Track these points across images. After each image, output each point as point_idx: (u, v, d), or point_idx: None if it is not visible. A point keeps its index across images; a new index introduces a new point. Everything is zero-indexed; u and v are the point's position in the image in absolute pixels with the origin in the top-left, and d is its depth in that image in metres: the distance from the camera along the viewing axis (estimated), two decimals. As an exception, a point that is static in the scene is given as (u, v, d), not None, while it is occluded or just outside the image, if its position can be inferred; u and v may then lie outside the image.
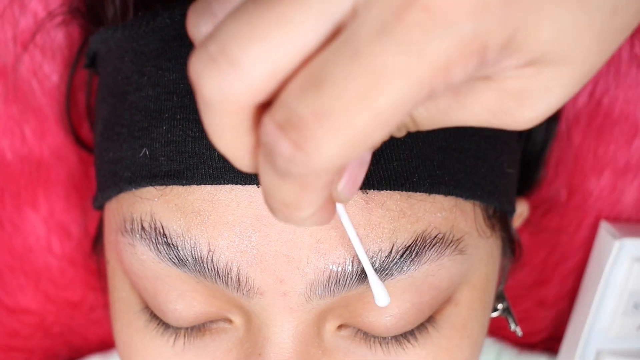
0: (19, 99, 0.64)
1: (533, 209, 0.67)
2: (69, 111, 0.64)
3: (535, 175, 0.66)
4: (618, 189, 0.66)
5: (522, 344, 0.73)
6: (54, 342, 0.72)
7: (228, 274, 0.45)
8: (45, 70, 0.64)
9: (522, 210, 0.63)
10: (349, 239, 0.44)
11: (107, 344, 0.73)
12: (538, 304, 0.71)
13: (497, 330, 0.72)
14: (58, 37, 0.63)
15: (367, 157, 0.36)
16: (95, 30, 0.53)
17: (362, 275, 0.45)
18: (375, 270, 0.45)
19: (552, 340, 0.72)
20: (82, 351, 0.73)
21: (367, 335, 0.48)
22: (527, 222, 0.67)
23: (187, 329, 0.50)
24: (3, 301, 0.69)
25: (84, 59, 0.57)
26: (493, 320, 0.60)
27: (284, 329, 0.46)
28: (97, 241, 0.64)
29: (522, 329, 0.69)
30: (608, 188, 0.66)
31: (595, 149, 0.65)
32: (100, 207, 0.55)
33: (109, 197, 0.51)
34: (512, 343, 0.73)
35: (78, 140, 0.65)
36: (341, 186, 0.35)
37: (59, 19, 0.62)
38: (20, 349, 0.71)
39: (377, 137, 0.30)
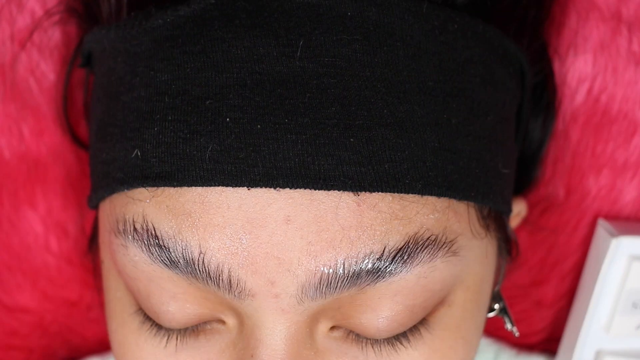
0: (16, 98, 0.64)
1: (531, 208, 0.67)
2: (67, 110, 0.64)
3: (532, 174, 0.65)
4: (617, 187, 0.65)
5: (521, 345, 0.72)
6: (53, 340, 0.72)
7: (219, 276, 0.45)
8: (43, 68, 0.64)
9: (519, 209, 0.63)
10: (345, 240, 0.45)
11: (106, 343, 0.73)
12: (536, 304, 0.71)
13: (495, 331, 0.72)
14: (55, 36, 0.63)
15: None
16: (91, 29, 0.53)
17: (353, 278, 0.45)
18: (367, 272, 0.45)
19: (550, 341, 0.71)
20: (80, 350, 0.73)
21: (359, 337, 0.48)
22: (525, 222, 0.66)
23: (180, 330, 0.50)
24: (1, 300, 0.69)
25: (81, 58, 0.57)
26: (491, 320, 0.60)
27: (276, 331, 0.46)
28: (92, 240, 0.64)
29: (520, 330, 0.69)
30: (607, 187, 0.65)
31: (594, 148, 0.65)
32: (94, 207, 0.55)
33: (102, 198, 0.51)
34: (511, 343, 0.73)
35: (75, 138, 0.65)
36: None
37: (56, 17, 0.62)
38: (19, 347, 0.71)
39: None
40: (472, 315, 0.51)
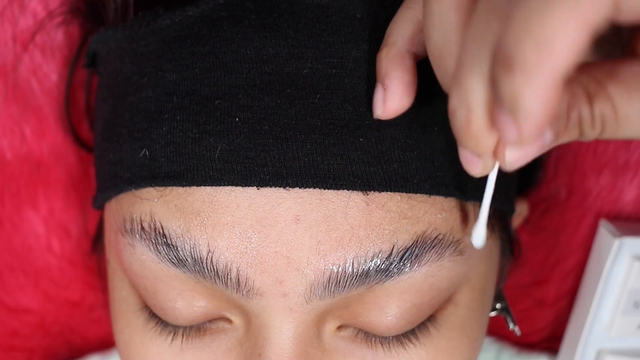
0: (18, 99, 0.64)
1: (532, 208, 0.67)
2: (69, 110, 0.64)
3: (534, 175, 0.66)
4: (618, 187, 0.66)
5: (522, 344, 0.73)
6: (54, 341, 0.72)
7: (227, 274, 0.45)
8: (45, 69, 0.64)
9: (521, 209, 0.63)
10: (354, 239, 0.45)
11: (107, 344, 0.73)
12: (537, 304, 0.71)
13: (496, 330, 0.72)
14: (58, 37, 0.63)
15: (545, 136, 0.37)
16: (96, 30, 0.53)
17: (362, 277, 0.45)
18: (376, 270, 0.45)
19: (552, 340, 0.72)
20: (82, 350, 0.73)
21: (368, 335, 0.49)
22: (526, 222, 0.67)
23: (186, 328, 0.50)
24: (3, 301, 0.69)
25: (84, 59, 0.57)
26: (492, 319, 0.60)
27: (283, 330, 0.46)
28: (97, 240, 0.64)
29: (522, 329, 0.69)
30: (608, 187, 0.66)
31: (595, 148, 0.65)
32: (100, 207, 0.55)
33: (108, 198, 0.51)
34: (512, 342, 0.73)
35: (78, 139, 0.65)
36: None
37: (59, 18, 0.62)
38: (21, 348, 0.71)
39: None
40: (477, 314, 0.52)
